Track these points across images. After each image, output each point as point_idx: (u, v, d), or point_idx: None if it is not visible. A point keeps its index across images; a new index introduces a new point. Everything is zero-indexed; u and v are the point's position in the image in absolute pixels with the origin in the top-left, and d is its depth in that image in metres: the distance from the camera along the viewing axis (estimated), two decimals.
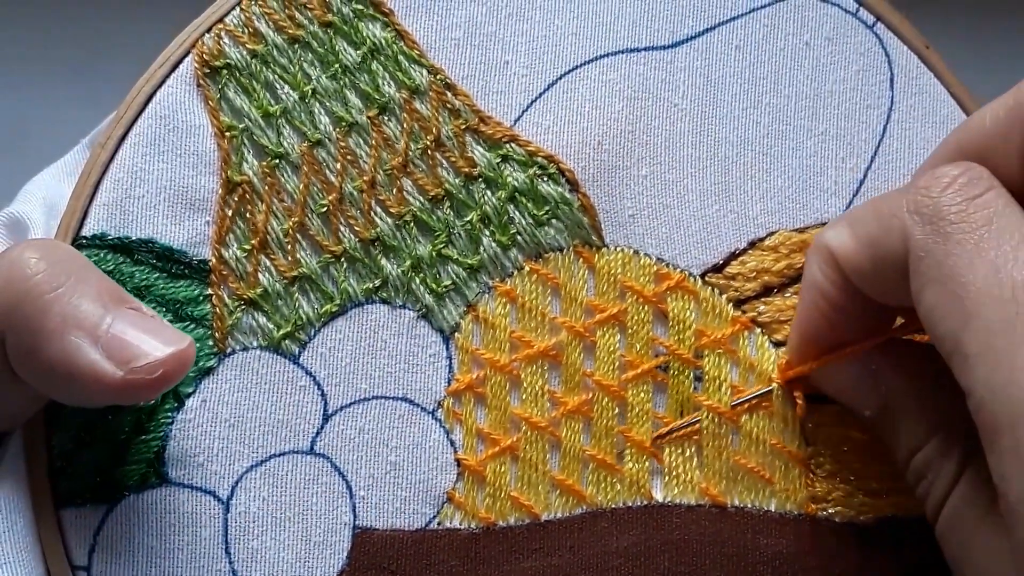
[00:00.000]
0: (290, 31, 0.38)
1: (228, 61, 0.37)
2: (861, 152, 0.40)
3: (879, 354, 0.35)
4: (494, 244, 0.38)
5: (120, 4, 0.65)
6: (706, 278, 0.38)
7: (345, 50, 0.38)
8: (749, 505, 0.37)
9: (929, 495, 0.34)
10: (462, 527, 0.36)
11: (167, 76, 0.37)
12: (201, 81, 0.37)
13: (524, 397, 0.37)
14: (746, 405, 0.37)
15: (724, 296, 0.38)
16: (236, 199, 0.37)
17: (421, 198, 0.37)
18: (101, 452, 0.35)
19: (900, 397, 0.35)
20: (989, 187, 0.30)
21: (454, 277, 0.37)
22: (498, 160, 0.38)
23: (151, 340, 0.32)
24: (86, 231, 0.36)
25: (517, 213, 0.38)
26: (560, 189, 0.38)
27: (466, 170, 0.38)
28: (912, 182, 0.32)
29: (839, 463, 0.37)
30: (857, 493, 0.37)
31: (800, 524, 0.37)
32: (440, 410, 0.37)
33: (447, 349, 0.37)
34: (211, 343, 0.36)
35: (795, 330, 0.36)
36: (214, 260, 0.37)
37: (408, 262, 0.37)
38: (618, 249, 0.38)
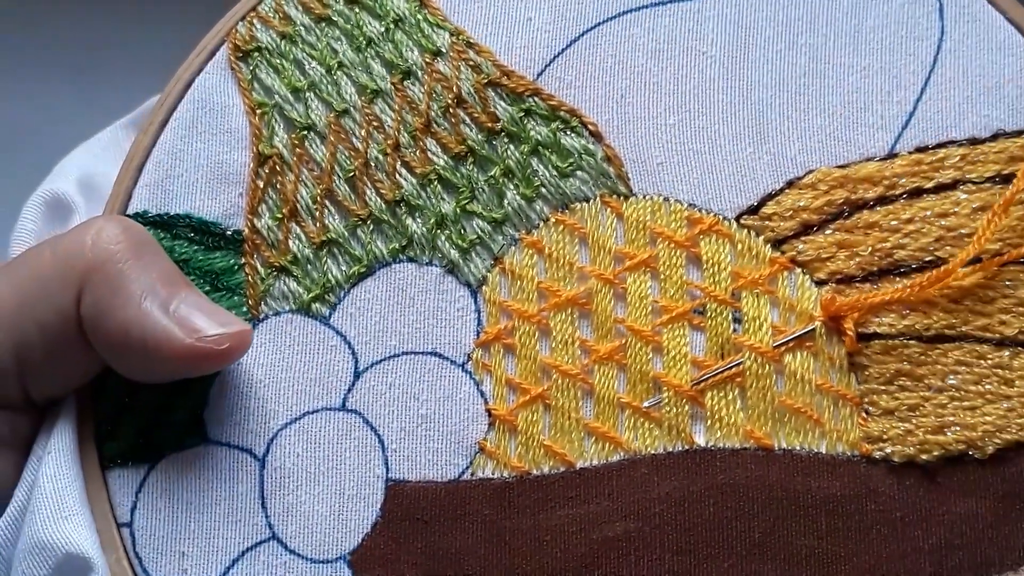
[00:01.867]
0: (317, 11, 0.50)
1: (259, 44, 0.49)
2: (910, 84, 0.48)
3: None
4: (518, 197, 0.47)
5: (120, 5, 0.77)
6: (741, 220, 0.47)
7: (369, 23, 0.49)
8: (798, 447, 0.45)
9: None
10: (495, 476, 0.45)
11: (205, 64, 0.49)
12: (234, 65, 0.49)
13: (554, 346, 0.46)
14: (789, 344, 0.45)
15: (761, 237, 0.47)
16: (267, 171, 0.48)
17: (445, 156, 0.48)
18: (143, 416, 0.46)
19: None
20: None
21: (479, 231, 0.47)
22: (520, 114, 0.48)
23: (215, 320, 0.43)
24: (129, 210, 0.48)
25: (541, 166, 0.47)
26: (584, 141, 0.48)
27: (489, 125, 0.48)
28: None
29: (895, 399, 0.45)
30: (916, 430, 0.44)
31: (854, 466, 0.44)
32: (469, 362, 0.46)
33: (475, 302, 0.47)
34: (245, 310, 0.47)
35: None
36: (247, 230, 0.48)
37: (433, 220, 0.47)
38: (647, 197, 0.47)
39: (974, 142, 0.47)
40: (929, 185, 0.47)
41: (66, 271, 0.43)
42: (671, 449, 0.45)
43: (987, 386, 0.45)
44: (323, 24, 0.49)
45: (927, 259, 0.46)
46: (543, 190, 0.47)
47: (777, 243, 0.46)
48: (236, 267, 0.47)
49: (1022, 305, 0.45)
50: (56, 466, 0.44)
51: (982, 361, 0.45)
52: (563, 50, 0.48)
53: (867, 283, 0.46)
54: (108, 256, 0.43)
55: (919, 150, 0.47)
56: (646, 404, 0.45)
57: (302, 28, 0.49)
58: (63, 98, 0.76)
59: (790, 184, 0.47)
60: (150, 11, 0.73)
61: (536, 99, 0.48)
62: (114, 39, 0.76)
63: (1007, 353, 0.45)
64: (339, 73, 0.49)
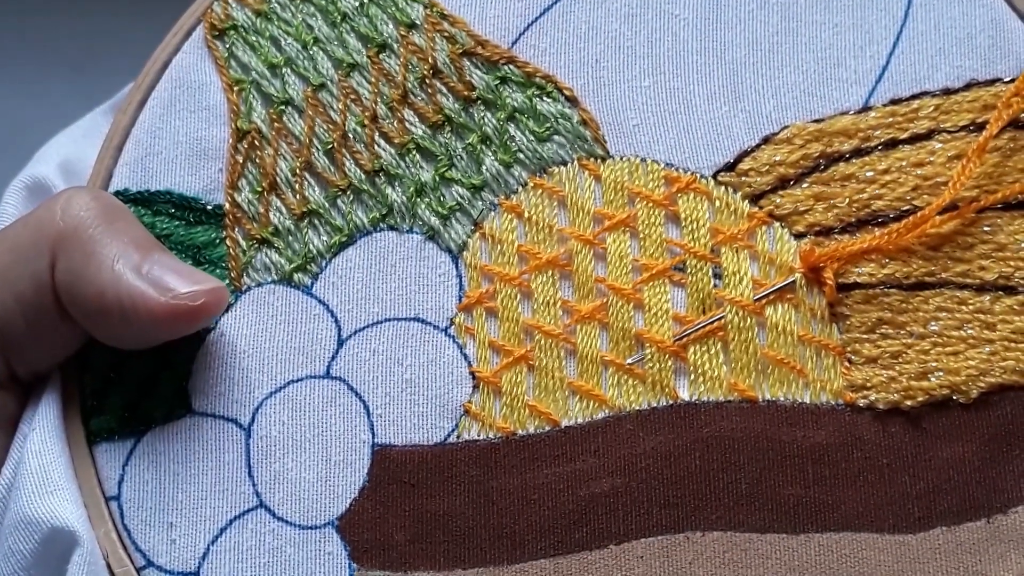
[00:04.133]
0: None
1: (235, 23, 0.50)
2: (882, 39, 0.48)
3: None
4: (496, 163, 0.48)
5: (119, 4, 0.78)
6: (718, 178, 0.47)
7: None
8: (781, 398, 0.45)
9: None
10: (480, 438, 0.45)
11: (181, 43, 0.50)
12: (210, 43, 0.50)
13: (536, 307, 0.47)
14: (770, 297, 0.46)
15: (738, 193, 0.47)
16: (246, 146, 0.49)
17: (422, 126, 0.48)
18: (129, 389, 0.46)
19: None
20: None
21: (459, 198, 0.48)
22: (496, 82, 0.49)
23: (188, 279, 0.44)
24: (110, 189, 0.49)
25: (518, 132, 0.48)
26: (560, 106, 0.48)
27: (465, 94, 0.49)
28: None
29: (877, 347, 0.45)
30: (900, 377, 0.45)
31: (839, 414, 0.45)
32: (452, 327, 0.47)
33: (456, 268, 0.47)
34: (228, 282, 0.47)
35: None
36: (228, 204, 0.48)
37: (412, 188, 0.48)
38: (624, 158, 0.48)
39: (948, 92, 0.48)
40: (904, 136, 0.47)
41: (38, 240, 0.44)
42: (655, 405, 0.45)
43: (969, 331, 0.45)
44: (298, 1, 0.50)
45: (904, 208, 0.46)
46: (521, 155, 0.48)
47: (755, 198, 0.47)
48: (217, 240, 0.48)
49: (1001, 250, 0.46)
50: (41, 442, 0.45)
51: (963, 307, 0.45)
52: (536, 18, 0.49)
53: (845, 234, 0.46)
54: (79, 222, 0.44)
55: (893, 102, 0.48)
56: (629, 361, 0.45)
57: (277, 5, 0.50)
58: (60, 94, 0.78)
59: (766, 140, 0.48)
60: (147, 8, 0.74)
61: (511, 67, 0.49)
62: (111, 35, 0.77)
63: (987, 298, 0.45)
64: (315, 48, 0.49)
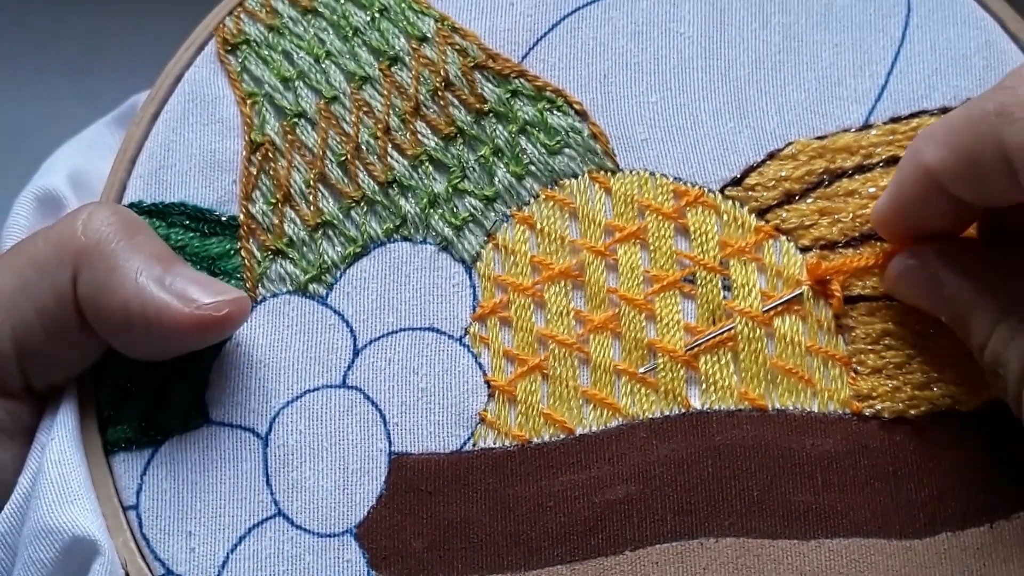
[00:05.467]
0: (303, 3, 0.51)
1: (247, 37, 0.51)
2: (880, 59, 0.50)
3: (935, 258, 0.45)
4: (508, 175, 0.49)
5: (119, 5, 0.78)
6: (725, 192, 0.49)
7: (355, 13, 0.51)
8: (791, 407, 0.46)
9: (1006, 388, 0.42)
10: (496, 446, 0.46)
11: (194, 58, 0.51)
12: (223, 58, 0.50)
13: (549, 317, 0.47)
14: (778, 309, 0.47)
15: (745, 207, 0.48)
16: (260, 158, 0.49)
17: (435, 138, 0.49)
18: (145, 400, 0.46)
19: (961, 296, 0.44)
20: None
21: (471, 209, 0.49)
22: (507, 95, 0.49)
23: (210, 289, 0.45)
24: (124, 201, 0.49)
25: (529, 144, 0.49)
26: (570, 120, 0.49)
27: (477, 106, 0.49)
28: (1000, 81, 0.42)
29: (881, 358, 0.46)
30: (904, 387, 0.46)
31: (847, 423, 0.46)
32: (467, 336, 0.47)
33: (470, 278, 0.48)
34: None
35: (880, 218, 0.46)
36: (242, 216, 0.49)
37: (425, 199, 0.49)
38: (633, 171, 0.49)
39: (945, 111, 0.49)
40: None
41: (61, 255, 0.44)
42: (668, 413, 0.46)
43: None
44: (309, 16, 0.51)
45: None
46: (532, 167, 0.49)
47: (761, 212, 0.48)
48: (232, 251, 0.48)
49: None
50: (60, 452, 0.45)
51: None
52: (546, 33, 0.50)
53: (849, 248, 0.48)
54: (101, 237, 0.44)
55: (893, 120, 0.49)
56: (642, 370, 0.46)
57: (289, 20, 0.51)
58: (60, 97, 0.77)
59: (771, 156, 0.49)
60: (149, 9, 0.74)
61: (522, 80, 0.50)
62: (111, 38, 0.77)
63: None
64: (327, 62, 0.50)
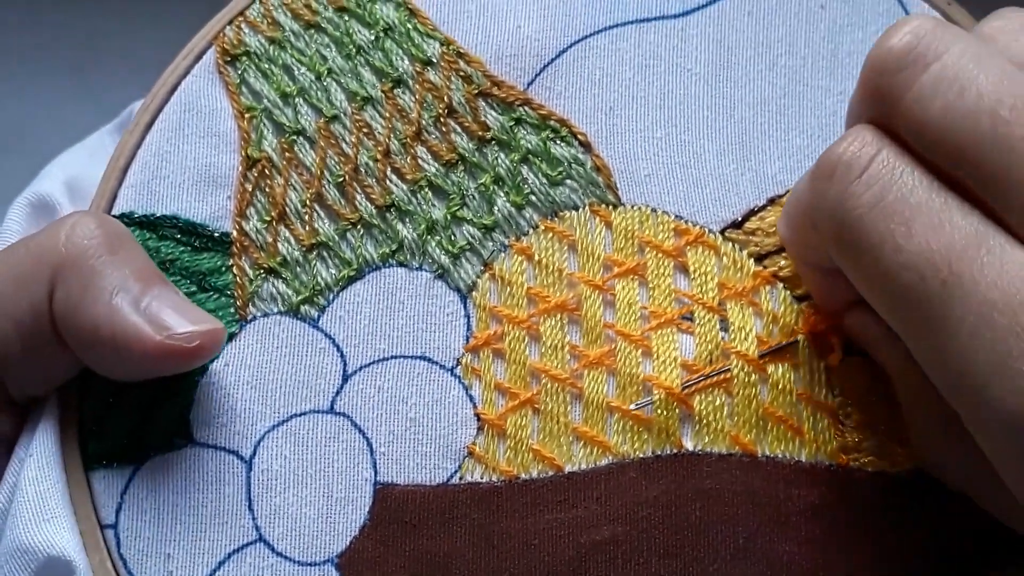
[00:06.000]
0: (306, 17, 0.50)
1: (247, 49, 0.50)
2: None
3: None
4: (508, 204, 0.48)
5: (120, 4, 0.77)
6: (725, 234, 0.48)
7: (359, 31, 0.50)
8: (780, 455, 0.46)
9: None
10: (483, 481, 0.45)
11: (191, 67, 0.50)
12: (221, 68, 0.50)
13: (543, 351, 0.47)
14: (773, 355, 0.47)
15: (744, 251, 0.48)
16: (256, 174, 0.48)
17: (435, 164, 0.48)
18: (129, 416, 0.46)
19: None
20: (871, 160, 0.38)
21: (469, 237, 0.48)
22: (511, 123, 0.49)
23: (186, 318, 0.44)
24: (115, 211, 0.48)
25: (531, 174, 0.48)
26: (573, 151, 0.49)
27: (479, 134, 0.49)
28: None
29: (868, 414, 0.46)
30: (889, 443, 0.45)
31: (833, 474, 0.45)
32: (459, 367, 0.47)
33: (465, 307, 0.47)
34: (233, 311, 0.47)
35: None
36: (235, 232, 0.48)
37: (423, 225, 0.48)
38: (635, 207, 0.48)
39: None
40: None
41: (39, 267, 0.43)
42: (660, 452, 0.46)
43: None
44: (312, 31, 0.50)
45: None
46: (533, 198, 0.48)
47: (760, 258, 0.48)
48: (223, 268, 0.47)
49: None
50: (38, 468, 0.44)
51: None
52: (552, 60, 0.50)
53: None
54: (81, 251, 0.43)
55: None
56: (633, 406, 0.46)
57: (291, 34, 0.50)
58: (60, 97, 0.77)
59: (772, 201, 0.48)
60: (148, 10, 0.73)
61: (526, 108, 0.49)
62: (112, 38, 0.76)
63: None
64: (329, 79, 0.49)
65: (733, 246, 0.48)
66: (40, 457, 0.44)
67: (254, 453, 0.45)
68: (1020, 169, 0.35)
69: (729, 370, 0.46)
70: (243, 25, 0.50)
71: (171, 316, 0.43)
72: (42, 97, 0.77)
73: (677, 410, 0.46)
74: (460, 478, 0.45)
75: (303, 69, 0.49)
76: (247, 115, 0.49)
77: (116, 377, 0.45)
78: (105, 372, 0.45)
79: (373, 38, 0.50)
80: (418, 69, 0.49)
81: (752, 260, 0.48)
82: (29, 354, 0.44)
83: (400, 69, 0.49)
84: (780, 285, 0.47)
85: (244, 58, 0.50)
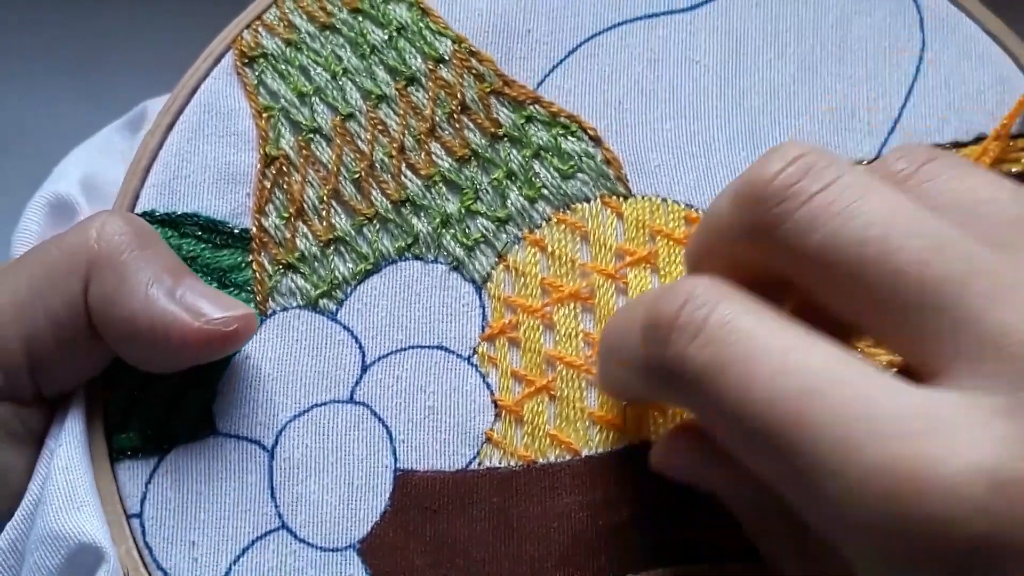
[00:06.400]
0: (321, 19, 0.51)
1: (265, 51, 0.51)
2: (894, 93, 0.50)
3: None
4: (521, 198, 0.49)
5: (120, 4, 0.78)
6: None
7: (373, 31, 0.51)
8: None
9: None
10: (502, 466, 0.46)
11: (211, 69, 0.51)
12: (240, 70, 0.51)
13: (558, 338, 0.48)
14: None
15: None
16: (274, 172, 0.49)
17: (449, 159, 0.49)
18: (155, 408, 0.47)
19: None
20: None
21: (483, 230, 0.49)
22: (522, 121, 0.50)
23: (219, 305, 0.45)
24: (136, 210, 0.49)
25: (543, 169, 0.49)
26: (584, 145, 0.50)
27: (492, 131, 0.50)
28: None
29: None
30: None
31: None
32: (475, 356, 0.47)
33: (480, 298, 0.48)
34: (253, 306, 0.48)
35: None
36: (255, 229, 0.49)
37: (438, 219, 0.49)
38: (646, 197, 0.49)
39: (957, 145, 0.49)
40: None
41: (73, 263, 0.44)
42: None
43: None
44: (327, 32, 0.51)
45: None
46: (545, 191, 0.49)
47: None
48: (243, 264, 0.48)
49: None
50: (68, 457, 0.45)
51: None
52: (562, 60, 0.51)
53: None
54: (113, 247, 0.45)
55: None
56: None
57: (307, 36, 0.51)
58: (60, 97, 0.78)
59: None
60: (148, 9, 0.75)
61: (537, 107, 0.50)
62: (112, 37, 0.77)
63: None
64: (344, 79, 0.50)
65: None
66: (69, 447, 0.45)
67: (276, 442, 0.46)
68: (905, 296, 0.34)
69: None
70: (260, 28, 0.51)
71: (206, 304, 0.45)
72: (42, 97, 0.78)
73: None
74: (479, 464, 0.46)
75: (319, 69, 0.51)
76: (265, 114, 0.50)
77: (150, 368, 0.46)
78: (140, 363, 0.46)
79: (387, 38, 0.51)
80: (431, 67, 0.50)
81: None
82: (63, 349, 0.45)
83: (413, 67, 0.50)
84: None
85: (261, 60, 0.51)
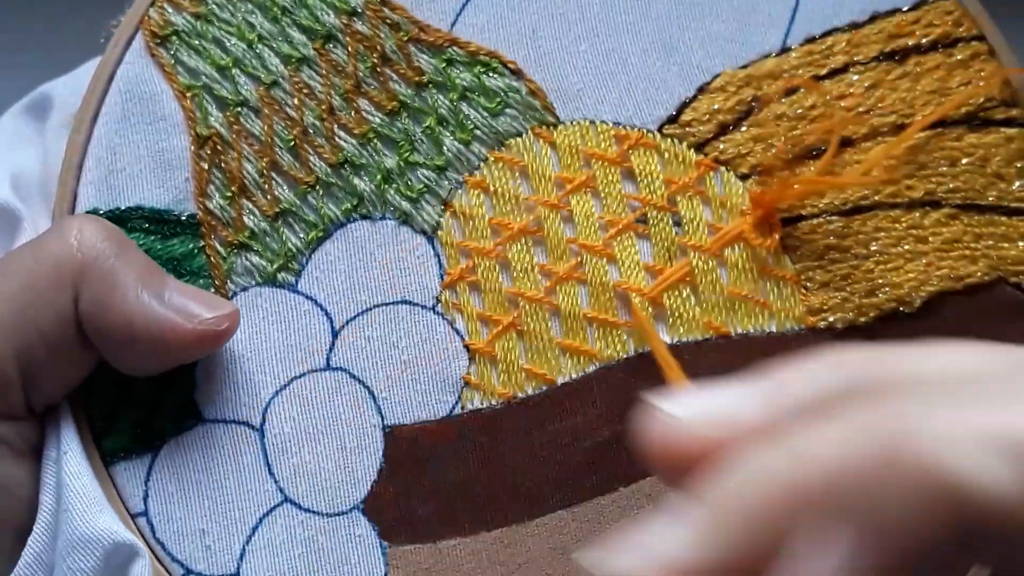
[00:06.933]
0: None
1: (175, 28, 0.50)
2: None
3: None
4: (456, 142, 0.49)
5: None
6: (663, 130, 0.50)
7: None
8: (751, 330, 0.49)
9: None
10: (484, 406, 0.48)
11: (122, 55, 0.50)
12: (154, 51, 0.50)
13: (515, 275, 0.49)
14: (727, 238, 0.49)
15: (684, 143, 0.50)
16: (208, 152, 0.49)
17: (379, 114, 0.49)
18: (137, 407, 0.47)
19: None
20: None
21: (425, 180, 0.49)
22: (443, 64, 0.50)
23: (207, 303, 0.45)
24: (78, 210, 0.48)
25: (471, 110, 0.50)
26: (507, 80, 0.50)
27: (415, 79, 0.50)
28: None
29: (827, 272, 0.49)
30: (852, 297, 0.49)
31: (803, 338, 0.48)
32: (439, 304, 0.48)
33: (433, 248, 0.49)
34: (213, 291, 0.48)
35: None
36: (200, 213, 0.49)
37: (379, 176, 0.49)
38: (574, 122, 0.50)
39: (855, 26, 0.51)
40: (824, 72, 0.51)
41: (59, 274, 0.44)
42: (641, 351, 0.48)
43: (905, 247, 0.49)
44: (235, 0, 0.50)
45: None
46: (477, 132, 0.49)
47: (699, 146, 0.50)
48: (196, 250, 0.48)
49: (923, 168, 0.50)
50: (76, 463, 0.45)
51: (897, 224, 0.49)
52: None
53: (785, 170, 0.50)
54: (97, 253, 0.44)
55: (808, 41, 0.51)
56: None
57: (215, 6, 0.50)
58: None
59: (701, 90, 0.50)
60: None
61: (455, 48, 0.50)
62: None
63: (917, 213, 0.50)
64: (260, 45, 0.50)
65: (672, 141, 0.50)
66: (73, 454, 0.46)
67: (263, 420, 0.47)
68: None
69: (688, 263, 0.49)
70: (166, 5, 0.50)
71: (195, 304, 0.45)
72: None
73: (649, 310, 0.48)
74: (462, 408, 0.48)
75: (233, 39, 0.50)
76: (188, 94, 0.49)
77: (136, 372, 0.46)
78: (129, 368, 0.46)
79: None
80: (345, 21, 0.50)
81: (692, 150, 0.50)
82: (54, 361, 0.44)
83: (328, 24, 0.50)
84: (722, 169, 0.50)
85: (174, 38, 0.50)
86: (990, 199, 0.50)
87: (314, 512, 0.46)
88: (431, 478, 0.47)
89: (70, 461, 0.45)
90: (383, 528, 0.46)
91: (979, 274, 0.49)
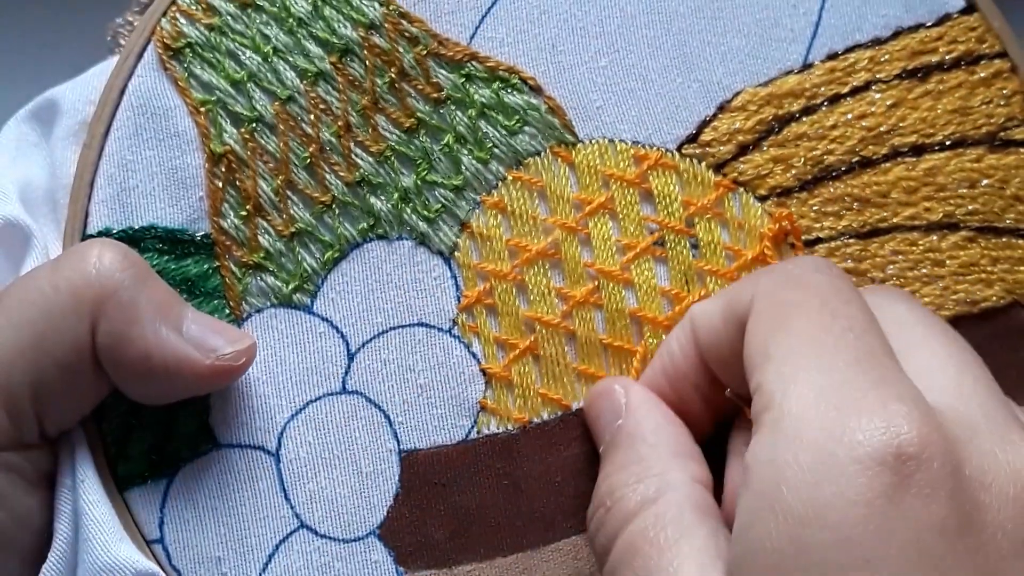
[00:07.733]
0: None
1: (188, 40, 0.48)
2: None
3: None
4: (474, 161, 0.48)
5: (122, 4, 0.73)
6: (682, 150, 0.49)
7: (296, 3, 0.48)
8: None
9: None
10: (500, 431, 0.47)
11: (134, 67, 0.48)
12: (167, 64, 0.48)
13: (532, 299, 0.48)
14: (744, 262, 0.48)
15: (703, 163, 0.49)
16: (223, 169, 0.47)
17: (396, 131, 0.48)
18: (151, 433, 0.45)
19: None
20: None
21: (442, 200, 0.48)
22: (462, 80, 0.48)
23: (225, 337, 0.44)
24: (90, 229, 0.47)
25: (490, 127, 0.48)
26: (526, 97, 0.48)
27: (434, 95, 0.48)
28: None
29: None
30: None
31: None
32: (455, 327, 0.47)
33: (450, 269, 0.48)
34: (227, 312, 0.47)
35: (642, 376, 0.46)
36: (215, 232, 0.47)
37: (396, 195, 0.48)
38: (593, 141, 0.49)
39: (878, 42, 0.50)
40: (845, 90, 0.49)
41: (77, 304, 0.42)
42: None
43: (922, 270, 0.48)
44: (249, 10, 0.48)
45: (854, 160, 0.49)
46: (496, 150, 0.48)
47: (718, 167, 0.48)
48: (210, 271, 0.47)
49: (942, 190, 0.49)
50: (93, 491, 0.44)
51: (914, 247, 0.48)
52: (489, 8, 0.49)
53: (804, 192, 0.49)
54: (117, 284, 0.43)
55: (830, 57, 0.49)
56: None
57: (228, 17, 0.48)
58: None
59: (721, 108, 0.49)
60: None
61: (474, 63, 0.48)
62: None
63: (935, 236, 0.49)
64: (276, 59, 0.48)
65: (691, 161, 0.48)
66: (90, 482, 0.45)
67: (279, 445, 0.46)
68: None
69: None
70: (178, 16, 0.48)
71: (213, 338, 0.44)
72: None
73: (663, 335, 0.47)
74: (478, 432, 0.47)
75: (248, 52, 0.48)
76: (202, 109, 0.47)
77: (149, 402, 0.44)
78: (142, 397, 0.44)
79: (311, 8, 0.48)
80: (363, 34, 0.48)
81: (711, 171, 0.48)
82: (69, 388, 0.43)
83: (344, 37, 0.48)
84: (741, 190, 0.48)
85: (187, 50, 0.48)
86: (1008, 222, 0.49)
87: (330, 538, 0.46)
88: (447, 503, 0.46)
89: (87, 490, 0.44)
90: (399, 553, 0.46)
91: (994, 298, 0.48)
